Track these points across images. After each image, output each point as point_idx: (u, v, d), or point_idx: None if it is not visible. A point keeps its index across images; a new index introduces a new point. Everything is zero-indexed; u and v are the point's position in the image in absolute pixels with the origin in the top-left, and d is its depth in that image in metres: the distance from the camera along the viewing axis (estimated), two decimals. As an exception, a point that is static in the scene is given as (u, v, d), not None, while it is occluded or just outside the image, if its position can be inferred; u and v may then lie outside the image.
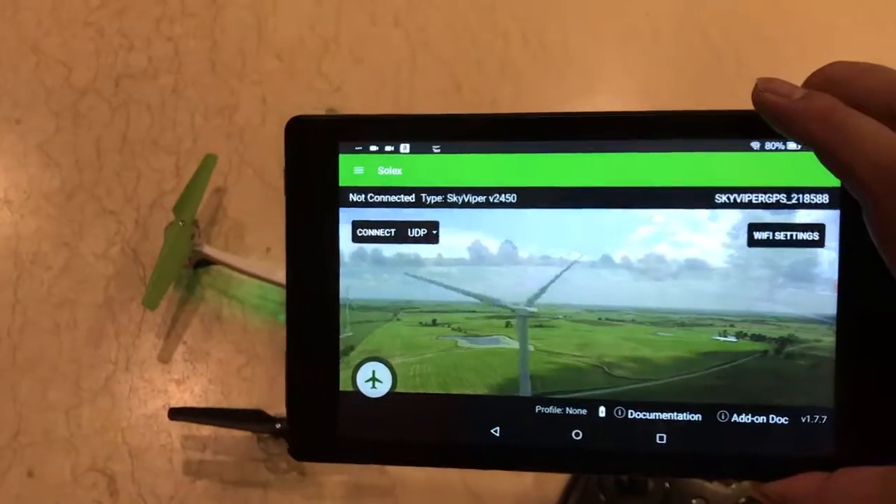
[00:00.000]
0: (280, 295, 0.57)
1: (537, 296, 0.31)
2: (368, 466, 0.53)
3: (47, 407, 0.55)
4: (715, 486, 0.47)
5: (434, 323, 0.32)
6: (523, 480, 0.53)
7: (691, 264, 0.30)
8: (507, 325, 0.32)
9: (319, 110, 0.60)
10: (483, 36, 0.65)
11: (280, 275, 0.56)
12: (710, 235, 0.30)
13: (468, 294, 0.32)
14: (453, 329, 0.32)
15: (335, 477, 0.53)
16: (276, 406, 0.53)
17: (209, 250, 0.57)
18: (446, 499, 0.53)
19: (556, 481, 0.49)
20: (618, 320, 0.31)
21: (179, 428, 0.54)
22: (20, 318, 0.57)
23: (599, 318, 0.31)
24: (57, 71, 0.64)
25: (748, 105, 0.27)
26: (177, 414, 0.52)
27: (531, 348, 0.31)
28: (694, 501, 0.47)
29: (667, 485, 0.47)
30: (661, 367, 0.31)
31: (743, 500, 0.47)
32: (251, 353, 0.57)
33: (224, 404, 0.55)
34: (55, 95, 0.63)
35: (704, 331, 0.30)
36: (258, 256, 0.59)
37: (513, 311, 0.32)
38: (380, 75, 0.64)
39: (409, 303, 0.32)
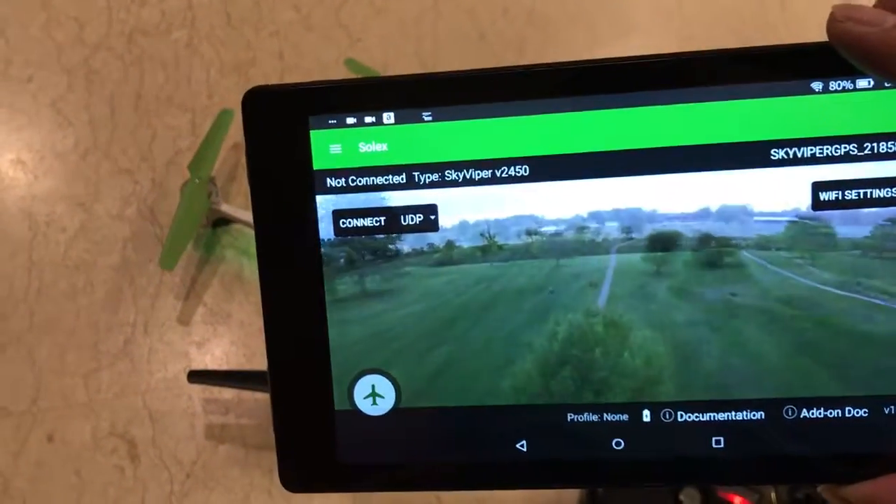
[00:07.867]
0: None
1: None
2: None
3: (65, 371, 0.54)
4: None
5: None
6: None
7: (747, 237, 0.26)
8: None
9: (339, 62, 0.57)
10: (509, -18, 0.62)
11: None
12: (768, 200, 0.25)
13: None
14: None
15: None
16: (300, 368, 0.51)
17: (227, 208, 0.55)
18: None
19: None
20: None
21: (201, 391, 0.53)
22: (36, 282, 0.56)
23: None
24: (68, 27, 0.62)
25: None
26: (196, 377, 0.50)
27: None
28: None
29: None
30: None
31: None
32: (273, 315, 0.55)
33: (247, 367, 0.54)
34: (66, 52, 0.61)
35: None
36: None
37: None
38: (401, 25, 0.61)
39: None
